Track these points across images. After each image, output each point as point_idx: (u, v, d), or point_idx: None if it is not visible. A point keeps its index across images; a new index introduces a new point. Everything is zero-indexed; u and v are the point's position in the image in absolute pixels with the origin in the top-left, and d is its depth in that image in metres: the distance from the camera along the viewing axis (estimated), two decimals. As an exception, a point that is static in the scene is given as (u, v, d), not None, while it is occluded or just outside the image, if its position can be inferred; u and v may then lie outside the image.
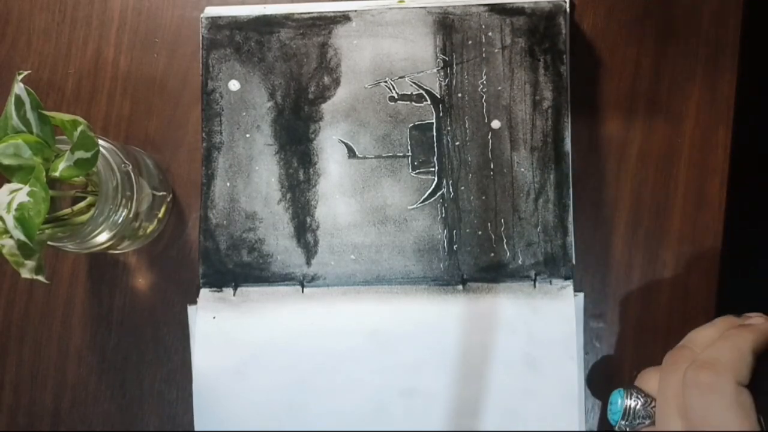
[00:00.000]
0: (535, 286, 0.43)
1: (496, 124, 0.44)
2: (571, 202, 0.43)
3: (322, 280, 0.44)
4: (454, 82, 0.44)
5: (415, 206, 0.44)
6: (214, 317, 0.43)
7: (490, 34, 0.44)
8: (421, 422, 0.42)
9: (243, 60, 0.45)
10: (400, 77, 0.44)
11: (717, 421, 0.33)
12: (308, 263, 0.44)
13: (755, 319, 0.37)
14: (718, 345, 0.35)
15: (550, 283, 0.43)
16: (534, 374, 0.42)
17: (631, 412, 0.38)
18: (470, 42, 0.44)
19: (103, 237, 0.40)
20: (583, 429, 0.42)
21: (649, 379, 0.38)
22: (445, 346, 0.43)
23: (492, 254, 0.43)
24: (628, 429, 0.38)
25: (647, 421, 0.37)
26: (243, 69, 0.45)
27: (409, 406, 0.43)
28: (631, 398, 0.38)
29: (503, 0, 0.44)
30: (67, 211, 0.40)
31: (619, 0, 0.45)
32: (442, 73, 0.44)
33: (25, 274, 0.35)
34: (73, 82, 0.46)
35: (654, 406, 0.37)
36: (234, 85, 0.45)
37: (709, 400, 0.33)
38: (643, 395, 0.38)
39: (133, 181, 0.40)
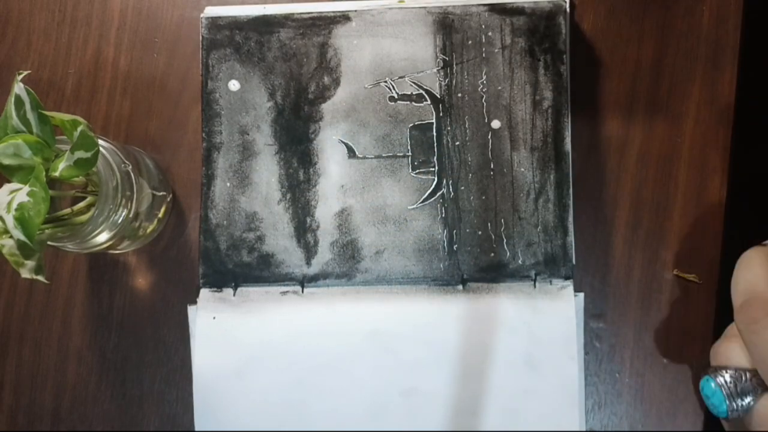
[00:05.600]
0: (535, 286, 0.43)
1: (496, 124, 0.44)
2: (571, 202, 0.43)
3: (322, 280, 0.44)
4: (454, 82, 0.44)
5: (415, 206, 0.44)
6: (214, 317, 0.43)
7: (490, 34, 0.44)
8: (422, 422, 0.42)
9: (243, 60, 0.45)
10: (400, 77, 0.44)
11: None
12: (308, 263, 0.44)
13: None
14: None
15: (550, 283, 0.43)
16: (534, 374, 0.42)
17: (734, 390, 0.33)
18: (470, 42, 0.44)
19: (103, 237, 0.40)
20: (584, 429, 0.42)
21: (729, 351, 0.34)
22: (445, 346, 0.43)
23: (492, 254, 0.43)
24: (740, 412, 0.33)
25: (750, 397, 0.32)
26: (243, 69, 0.45)
27: (409, 406, 0.43)
28: (724, 378, 0.33)
29: (503, 0, 0.44)
30: (67, 211, 0.40)
31: (619, 0, 0.45)
32: (442, 73, 0.44)
33: (25, 274, 0.35)
34: (73, 82, 0.46)
35: (753, 376, 0.32)
36: (234, 85, 0.45)
37: None
38: (731, 370, 0.33)
39: (133, 181, 0.40)
